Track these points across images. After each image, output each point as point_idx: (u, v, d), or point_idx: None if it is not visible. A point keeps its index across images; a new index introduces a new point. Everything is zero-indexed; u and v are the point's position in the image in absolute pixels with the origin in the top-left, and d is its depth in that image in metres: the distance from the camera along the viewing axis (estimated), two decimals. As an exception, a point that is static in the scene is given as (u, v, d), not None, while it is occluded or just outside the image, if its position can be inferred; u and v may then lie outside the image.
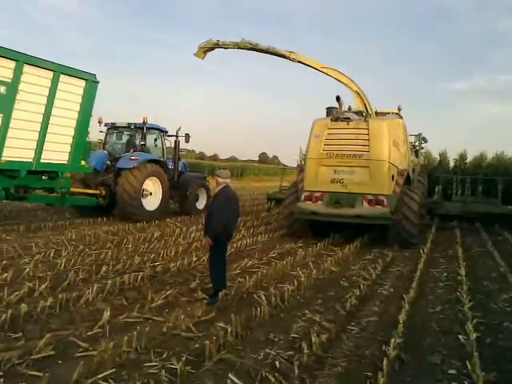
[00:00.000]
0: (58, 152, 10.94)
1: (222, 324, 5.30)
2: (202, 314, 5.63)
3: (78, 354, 4.37)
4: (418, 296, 6.97)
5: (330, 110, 12.54)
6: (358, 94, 12.10)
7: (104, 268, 7.47)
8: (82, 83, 11.20)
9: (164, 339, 4.89)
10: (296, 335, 5.14)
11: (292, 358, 4.48)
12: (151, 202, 13.77)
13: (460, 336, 5.24)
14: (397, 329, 5.18)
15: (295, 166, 25.80)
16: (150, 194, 13.78)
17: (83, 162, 11.84)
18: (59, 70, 10.52)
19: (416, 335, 5.35)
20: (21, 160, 10.11)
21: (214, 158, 68.81)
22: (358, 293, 6.73)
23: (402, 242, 11.12)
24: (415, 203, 11.12)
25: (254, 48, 12.32)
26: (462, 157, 21.63)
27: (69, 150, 11.20)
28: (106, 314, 5.24)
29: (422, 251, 10.33)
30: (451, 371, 4.43)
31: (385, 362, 4.20)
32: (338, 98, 11.51)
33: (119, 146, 15.06)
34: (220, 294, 6.19)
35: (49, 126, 10.45)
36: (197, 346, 4.75)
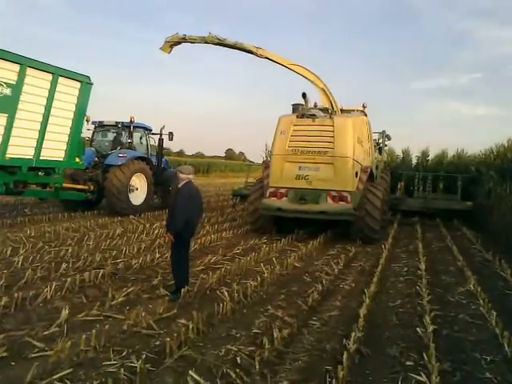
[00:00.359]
0: (55, 150, 11.61)
1: (183, 321, 5.26)
2: (163, 310, 5.57)
3: (33, 355, 4.24)
4: (379, 290, 7.08)
5: (296, 107, 12.59)
6: (324, 91, 12.14)
7: (64, 265, 7.30)
8: (78, 85, 11.89)
9: (124, 337, 4.81)
10: (258, 331, 5.15)
11: (253, 353, 4.48)
12: (137, 197, 14.45)
13: (418, 329, 5.36)
14: (357, 323, 5.25)
15: (261, 162, 25.87)
16: (137, 189, 14.46)
17: (77, 159, 12.46)
18: (58, 73, 11.17)
19: (376, 329, 5.44)
20: (23, 157, 10.74)
21: (180, 153, 68.16)
22: (320, 288, 6.80)
23: (365, 238, 11.28)
24: (378, 199, 11.30)
25: (221, 43, 12.20)
26: (424, 154, 22.09)
27: (65, 148, 11.88)
28: (65, 313, 5.13)
29: (383, 247, 10.53)
30: (409, 363, 4.52)
31: (345, 356, 4.25)
32: (304, 95, 11.52)
33: (106, 143, 15.65)
34: (182, 290, 6.15)
35: (48, 125, 11.11)
36: (157, 343, 4.71)
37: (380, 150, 15.41)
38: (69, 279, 6.42)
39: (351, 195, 10.97)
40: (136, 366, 4.00)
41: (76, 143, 12.25)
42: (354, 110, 13.54)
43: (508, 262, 9.15)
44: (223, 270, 7.56)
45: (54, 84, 11.04)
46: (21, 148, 10.58)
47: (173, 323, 5.27)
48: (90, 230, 11.22)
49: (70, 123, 11.87)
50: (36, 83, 10.65)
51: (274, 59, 12.03)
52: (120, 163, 13.73)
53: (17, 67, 10.05)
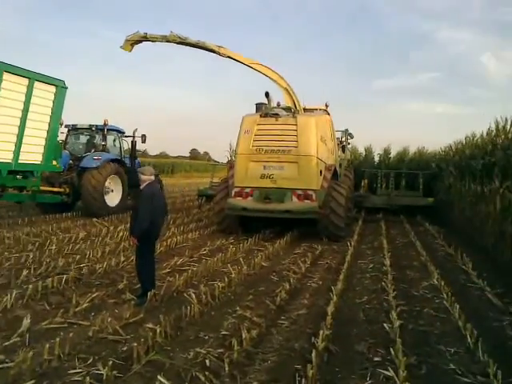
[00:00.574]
0: (33, 153, 11.92)
1: (150, 325, 5.17)
2: (130, 315, 5.46)
3: (-6, 367, 4.08)
4: (346, 287, 7.16)
5: (259, 106, 12.59)
6: (287, 90, 12.21)
7: (25, 272, 7.06)
8: (53, 89, 12.22)
9: (90, 344, 4.69)
10: (226, 332, 5.11)
11: (222, 355, 4.45)
12: (112, 199, 14.81)
13: (385, 324, 5.44)
14: (325, 321, 5.29)
15: (226, 162, 25.84)
16: (112, 191, 14.80)
17: (54, 162, 12.80)
18: (34, 77, 11.46)
19: (344, 326, 5.49)
20: (2, 161, 10.94)
21: (144, 154, 67.11)
22: (288, 287, 6.81)
23: (331, 235, 11.39)
24: (342, 197, 11.41)
25: (183, 42, 12.08)
26: (386, 152, 22.50)
27: (42, 151, 12.20)
28: (26, 322, 4.95)
29: (349, 244, 10.65)
30: (377, 358, 4.58)
31: (314, 354, 4.27)
32: (266, 94, 11.50)
33: (80, 146, 15.96)
34: (149, 294, 6.05)
35: (25, 129, 11.39)
36: (124, 348, 4.61)
37: (343, 149, 15.61)
38: (30, 286, 6.22)
39: (316, 193, 11.05)
40: (102, 374, 3.91)
41: (53, 146, 12.56)
42: (316, 109, 13.65)
43: (469, 256, 9.42)
44: (190, 271, 7.49)
45: (30, 88, 11.30)
46: (10, 154, 11.01)
47: (140, 328, 5.18)
48: (52, 234, 10.92)
49: (46, 127, 12.18)
50: (13, 88, 10.87)
51: (237, 58, 11.99)
52: (95, 166, 13.99)
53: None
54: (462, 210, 13.12)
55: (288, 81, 12.28)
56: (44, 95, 11.93)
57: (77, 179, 14.16)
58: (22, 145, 11.39)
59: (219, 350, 4.59)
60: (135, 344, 4.43)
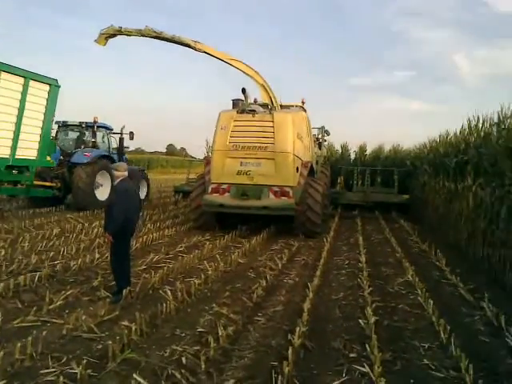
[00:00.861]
0: (29, 149, 12.63)
1: (126, 322, 5.11)
2: (104, 313, 5.39)
3: (-38, 369, 3.98)
4: (322, 284, 7.21)
5: (236, 102, 12.55)
6: (264, 86, 12.20)
7: (-4, 269, 6.92)
8: (47, 87, 12.87)
9: (63, 343, 4.62)
10: (203, 329, 5.09)
11: (199, 352, 4.43)
12: (102, 193, 15.25)
13: (360, 320, 5.49)
14: (302, 317, 5.31)
15: (203, 158, 25.79)
16: (101, 185, 15.36)
17: (48, 158, 13.53)
18: (29, 76, 12.10)
19: (320, 322, 5.52)
20: (0, 156, 11.66)
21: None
22: (264, 283, 6.83)
23: (307, 232, 11.45)
24: (319, 194, 11.47)
25: (158, 36, 11.93)
26: (362, 149, 22.73)
27: (37, 147, 12.90)
28: (-3, 320, 4.86)
29: (325, 240, 10.73)
30: (352, 355, 4.61)
31: (290, 351, 4.28)
32: (243, 91, 11.46)
33: (70, 142, 16.66)
34: (124, 291, 5.98)
35: (21, 125, 12.05)
36: (99, 347, 4.55)
37: (320, 145, 15.71)
38: (2, 284, 6.09)
39: (293, 190, 11.09)
40: (76, 373, 3.84)
41: (47, 143, 13.33)
42: (293, 106, 13.66)
43: (443, 252, 9.58)
44: (166, 268, 7.43)
45: (25, 87, 12.00)
46: (8, 149, 11.78)
47: (115, 325, 5.12)
48: (25, 231, 10.71)
49: (41, 124, 12.88)
50: (9, 86, 11.58)
51: (213, 53, 11.88)
52: (85, 161, 14.71)
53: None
54: (436, 207, 13.33)
55: (264, 77, 12.28)
56: (38, 93, 12.58)
57: (68, 174, 14.85)
58: (19, 141, 12.07)
59: (195, 348, 4.57)
60: (110, 342, 4.38)
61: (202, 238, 10.72)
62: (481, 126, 10.32)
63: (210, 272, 7.31)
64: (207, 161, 12.39)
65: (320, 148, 15.76)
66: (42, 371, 3.97)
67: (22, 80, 11.89)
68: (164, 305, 5.56)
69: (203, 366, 4.17)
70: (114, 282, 6.34)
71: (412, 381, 4.13)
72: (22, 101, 12.00)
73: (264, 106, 12.04)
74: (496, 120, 9.16)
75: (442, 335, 5.06)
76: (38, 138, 12.89)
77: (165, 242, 10.21)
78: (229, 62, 11.97)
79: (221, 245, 9.96)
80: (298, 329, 4.86)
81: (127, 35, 12.23)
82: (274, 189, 11.08)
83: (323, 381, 4.07)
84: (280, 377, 3.88)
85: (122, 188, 6.06)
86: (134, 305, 5.87)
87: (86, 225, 11.62)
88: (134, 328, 4.79)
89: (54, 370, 4.00)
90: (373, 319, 5.36)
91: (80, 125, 16.40)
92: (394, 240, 11.26)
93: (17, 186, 13.26)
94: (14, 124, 11.85)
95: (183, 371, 4.05)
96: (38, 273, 6.78)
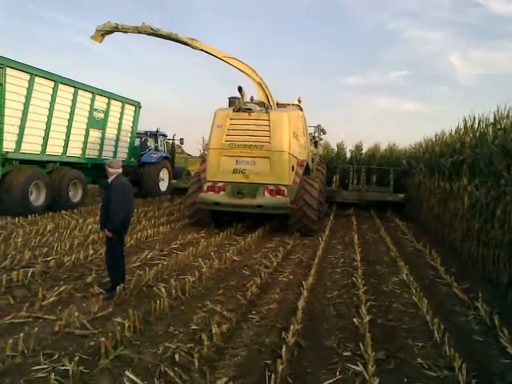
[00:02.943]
0: (123, 152, 17.39)
1: (119, 319, 5.09)
2: (98, 309, 5.36)
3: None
4: (317, 282, 7.20)
5: (232, 101, 12.56)
6: (260, 85, 12.16)
7: (-12, 265, 6.87)
8: (133, 108, 17.79)
9: (56, 339, 4.58)
10: (196, 327, 5.07)
11: (192, 350, 4.42)
12: (163, 185, 19.75)
13: (355, 319, 5.49)
14: (296, 315, 5.30)
15: (198, 155, 25.95)
16: (162, 179, 19.62)
17: (133, 159, 18.30)
18: (124, 101, 16.95)
19: (314, 321, 5.51)
20: (106, 158, 15.51)
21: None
22: (259, 281, 6.81)
23: (303, 229, 11.48)
24: (315, 190, 11.52)
25: (155, 33, 11.88)
26: (358, 148, 22.76)
27: (127, 151, 17.75)
28: (-11, 316, 4.81)
29: (320, 239, 10.73)
30: (346, 353, 4.60)
31: (284, 350, 4.27)
32: (240, 89, 11.49)
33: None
34: (118, 287, 5.94)
35: (120, 136, 17.03)
36: (92, 343, 4.52)
37: (316, 144, 15.69)
38: (-6, 279, 6.05)
39: (288, 189, 11.10)
40: (68, 369, 3.82)
41: (132, 148, 18.25)
42: (289, 105, 13.67)
43: (438, 252, 9.61)
44: (160, 265, 7.40)
45: (122, 109, 16.87)
46: (107, 152, 16.23)
47: (108, 322, 5.09)
48: (19, 226, 10.65)
49: (130, 134, 17.76)
50: (115, 109, 16.40)
51: (210, 51, 11.84)
52: (154, 161, 18.89)
53: (105, 99, 15.80)
54: (431, 207, 13.35)
55: (261, 75, 12.25)
56: (129, 113, 17.46)
57: (140, 171, 18.57)
58: (118, 147, 16.91)
59: (189, 345, 4.55)
60: (103, 339, 4.34)
61: (197, 236, 10.70)
62: (476, 126, 10.33)
63: (204, 269, 7.29)
64: (203, 159, 12.41)
65: (316, 147, 15.76)
66: (33, 368, 3.94)
67: (120, 104, 16.72)
68: (158, 302, 5.52)
69: (196, 364, 4.15)
70: (107, 279, 6.32)
71: (405, 380, 4.12)
72: (120, 119, 16.80)
73: (260, 104, 12.00)
74: (492, 120, 9.17)
75: (436, 334, 5.06)
76: (128, 145, 17.72)
77: (159, 239, 10.18)
78: (225, 59, 11.92)
79: (216, 242, 9.93)
80: (291, 327, 4.86)
81: (124, 32, 12.14)
82: (269, 187, 11.08)
83: (317, 379, 4.06)
84: (273, 375, 3.87)
85: (118, 184, 6.02)
86: (128, 301, 5.84)
87: (80, 221, 11.56)
88: (127, 325, 4.77)
89: (45, 366, 3.97)
90: (367, 318, 5.36)
91: (146, 133, 20.38)
92: (389, 239, 11.27)
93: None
94: (115, 135, 16.67)
95: (176, 369, 4.04)
96: (31, 269, 6.74)
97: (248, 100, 12.03)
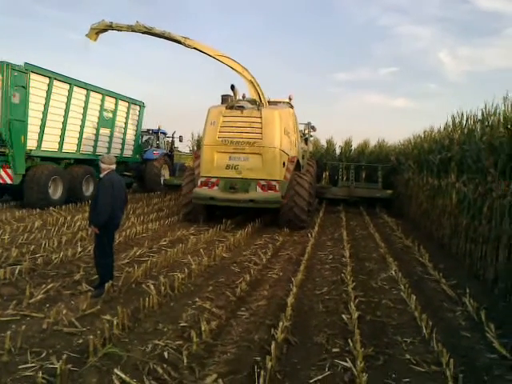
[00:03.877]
0: (129, 150, 18.70)
1: (107, 317, 5.06)
2: (86, 307, 5.32)
3: None
4: (306, 279, 7.22)
5: (225, 98, 12.71)
6: (252, 83, 12.41)
7: (-25, 262, 6.80)
8: (138, 108, 19.08)
9: (43, 337, 4.55)
10: (185, 324, 5.06)
11: (181, 347, 4.41)
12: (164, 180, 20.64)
13: (343, 315, 5.51)
14: (285, 312, 5.30)
15: (188, 151, 26.06)
16: (164, 175, 20.43)
17: (137, 156, 19.46)
18: (131, 101, 18.15)
19: (303, 317, 5.53)
20: (115, 154, 16.52)
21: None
22: (248, 278, 6.81)
23: (294, 220, 11.68)
24: (306, 182, 11.77)
25: (149, 32, 12.21)
26: (348, 144, 22.84)
27: (132, 149, 18.91)
28: (-25, 314, 4.76)
29: (310, 235, 10.76)
30: (335, 350, 4.62)
31: (273, 346, 4.27)
32: (232, 87, 11.76)
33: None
34: (106, 285, 5.91)
35: (126, 135, 18.21)
36: (80, 341, 4.50)
37: (306, 141, 15.83)
38: (-19, 277, 5.99)
39: (279, 184, 11.32)
40: (56, 368, 3.78)
41: (137, 145, 19.40)
42: (280, 102, 13.88)
43: (426, 248, 9.67)
44: (149, 262, 7.37)
45: (128, 109, 17.98)
46: (115, 149, 17.27)
47: (96, 320, 5.06)
48: (6, 223, 10.55)
49: (135, 133, 18.96)
50: (122, 109, 17.57)
51: (202, 50, 12.16)
52: (156, 157, 20.00)
53: (113, 100, 16.82)
54: (419, 203, 13.43)
55: (253, 74, 12.43)
56: (134, 113, 18.68)
57: (142, 167, 19.70)
58: (125, 145, 18.07)
59: (178, 342, 4.54)
60: (91, 336, 4.30)
61: (187, 232, 10.67)
62: (465, 122, 10.40)
63: (193, 266, 7.28)
64: (196, 155, 12.64)
65: (306, 143, 15.88)
66: (20, 366, 3.90)
67: (126, 104, 17.77)
68: (147, 299, 5.50)
69: (185, 361, 4.14)
70: (96, 276, 6.28)
71: (394, 376, 4.14)
72: (127, 119, 17.96)
73: (252, 102, 12.17)
74: (480, 117, 9.23)
75: (424, 330, 5.10)
76: (133, 143, 18.84)
77: (148, 235, 10.14)
78: (218, 58, 12.18)
79: (205, 239, 9.91)
80: (281, 323, 4.86)
81: (118, 30, 12.59)
82: (261, 182, 11.32)
83: (306, 375, 4.07)
84: (263, 372, 3.86)
85: (107, 181, 5.97)
86: (117, 299, 5.81)
87: (69, 218, 11.48)
88: (115, 322, 4.75)
89: (33, 365, 3.94)
90: (356, 314, 5.37)
91: (147, 131, 21.44)
92: (378, 235, 11.33)
93: None
94: (122, 133, 17.77)
95: (165, 366, 4.03)
96: (19, 266, 6.68)
97: (240, 98, 12.17)
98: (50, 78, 13.21)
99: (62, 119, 14.11)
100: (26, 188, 12.76)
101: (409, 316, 5.70)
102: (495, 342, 4.88)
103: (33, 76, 12.57)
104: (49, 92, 13.25)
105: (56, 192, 13.67)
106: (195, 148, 25.90)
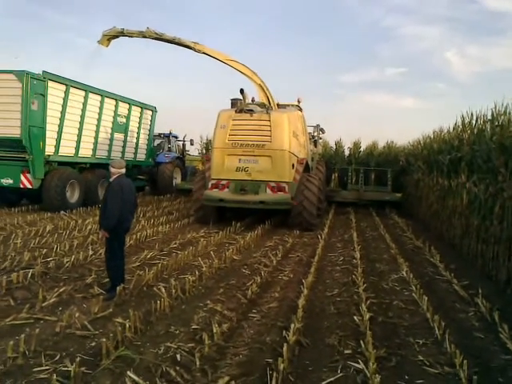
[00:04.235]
0: (143, 154, 19.09)
1: (120, 319, 5.09)
2: (98, 310, 5.36)
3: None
4: (317, 280, 7.20)
5: (234, 102, 12.92)
6: (261, 86, 12.57)
7: (-12, 267, 6.86)
8: (150, 113, 19.37)
9: (57, 340, 4.58)
10: (197, 326, 5.07)
11: (193, 349, 4.41)
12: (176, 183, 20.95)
13: (355, 317, 5.49)
14: (296, 314, 5.29)
15: (197, 154, 26.25)
16: (175, 178, 20.86)
17: (150, 160, 19.80)
18: (143, 106, 18.51)
19: (315, 319, 5.52)
20: (130, 159, 17.51)
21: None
22: (259, 280, 6.81)
23: (303, 223, 11.76)
24: (315, 186, 11.86)
25: (160, 38, 12.50)
26: (356, 145, 22.79)
27: (145, 153, 19.28)
28: (-10, 318, 4.80)
29: (319, 237, 10.75)
30: (347, 351, 4.60)
31: (285, 348, 4.27)
32: (241, 91, 11.88)
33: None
34: (118, 288, 5.94)
35: (139, 139, 18.56)
36: (93, 344, 4.52)
37: (315, 143, 15.89)
38: (-6, 281, 6.04)
39: (288, 186, 11.46)
40: (70, 370, 3.81)
41: (150, 149, 19.71)
42: (289, 105, 13.97)
43: (437, 249, 9.62)
44: (160, 265, 7.39)
45: (141, 114, 18.38)
46: (129, 154, 17.67)
47: (109, 323, 5.09)
48: (18, 227, 10.64)
49: (147, 137, 19.26)
50: (135, 114, 17.91)
51: (212, 55, 12.40)
52: (167, 161, 20.44)
53: (126, 105, 17.14)
54: (429, 204, 13.36)
55: (262, 77, 12.55)
56: (147, 117, 18.97)
57: (154, 170, 20.09)
58: (138, 149, 18.49)
59: (190, 345, 4.55)
60: (104, 339, 4.33)
61: (197, 235, 10.70)
62: (474, 122, 10.34)
63: (204, 269, 7.29)
64: (207, 158, 12.97)
65: (315, 145, 15.93)
66: (34, 369, 3.93)
67: (139, 109, 18.18)
68: (158, 302, 5.52)
69: (198, 363, 4.15)
70: (107, 279, 6.31)
71: (407, 377, 4.12)
72: (139, 123, 18.28)
73: (261, 105, 12.33)
74: (489, 117, 9.17)
75: (437, 331, 5.07)
76: (146, 147, 19.20)
77: (159, 238, 10.18)
78: (228, 62, 12.39)
79: (215, 241, 9.94)
80: (292, 325, 4.85)
81: (129, 36, 12.88)
82: (270, 184, 11.47)
83: (318, 377, 4.06)
84: (275, 373, 3.86)
85: (116, 185, 6.01)
86: (128, 302, 5.84)
87: (80, 221, 11.56)
88: (127, 325, 4.76)
89: (47, 367, 3.96)
90: (367, 316, 5.36)
91: (159, 135, 21.68)
92: (389, 236, 11.29)
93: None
94: (135, 138, 18.16)
95: (178, 368, 4.04)
96: (31, 270, 6.74)
97: (249, 101, 12.29)
98: (66, 85, 13.59)
99: (78, 125, 14.47)
100: (44, 192, 13.05)
101: (421, 317, 5.67)
102: (509, 343, 4.85)
103: (50, 84, 12.93)
104: (65, 99, 13.63)
105: (73, 196, 14.03)
106: (204, 151, 26.00)
